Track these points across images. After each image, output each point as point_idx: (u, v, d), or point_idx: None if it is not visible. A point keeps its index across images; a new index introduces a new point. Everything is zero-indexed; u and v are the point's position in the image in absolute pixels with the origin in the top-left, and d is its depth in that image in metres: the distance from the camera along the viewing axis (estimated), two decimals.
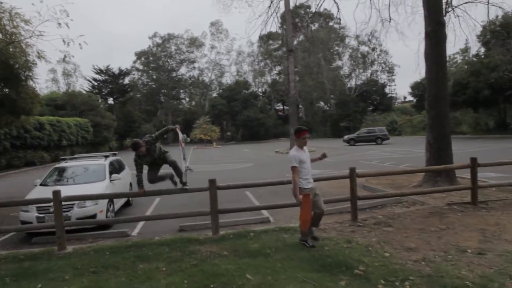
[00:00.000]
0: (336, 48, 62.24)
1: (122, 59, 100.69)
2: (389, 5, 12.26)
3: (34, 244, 6.68)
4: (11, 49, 10.51)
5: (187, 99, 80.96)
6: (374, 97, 60.69)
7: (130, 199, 9.87)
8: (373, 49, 58.28)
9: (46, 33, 9.87)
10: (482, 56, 36.40)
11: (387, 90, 63.25)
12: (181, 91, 77.79)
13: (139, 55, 72.19)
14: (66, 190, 6.44)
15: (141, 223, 7.58)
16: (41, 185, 8.09)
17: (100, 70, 58.96)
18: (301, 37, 56.78)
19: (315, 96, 63.35)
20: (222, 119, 65.02)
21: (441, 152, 8.67)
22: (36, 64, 10.56)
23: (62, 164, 8.97)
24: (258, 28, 67.38)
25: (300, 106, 66.16)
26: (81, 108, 44.21)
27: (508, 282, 3.74)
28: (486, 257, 4.44)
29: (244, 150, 36.59)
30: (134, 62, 72.47)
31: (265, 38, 66.50)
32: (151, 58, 71.99)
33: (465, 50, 49.06)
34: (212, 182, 5.92)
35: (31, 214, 6.97)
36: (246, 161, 22.86)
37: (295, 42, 45.56)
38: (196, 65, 75.39)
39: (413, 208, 7.14)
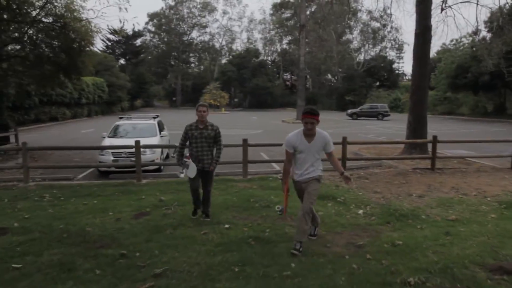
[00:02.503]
0: (348, 21, 62.74)
1: (133, 19, 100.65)
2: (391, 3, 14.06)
3: (112, 179, 9.24)
4: (72, 24, 12.70)
5: (197, 63, 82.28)
6: (381, 73, 61.94)
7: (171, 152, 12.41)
8: (384, 26, 58.98)
9: (105, 14, 11.93)
10: (489, 42, 37.62)
11: (395, 67, 64.46)
12: (191, 55, 78.97)
13: (151, 16, 72.82)
14: (129, 142, 8.81)
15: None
16: (108, 137, 10.57)
17: (114, 30, 60.04)
18: (314, 8, 57.30)
19: (323, 69, 64.67)
20: (231, 86, 66.82)
21: (417, 130, 11.04)
22: (93, 37, 12.77)
23: (121, 122, 11.42)
24: None
25: (308, 77, 67.64)
26: (97, 68, 45.99)
27: (428, 209, 6.24)
28: (423, 199, 6.94)
29: (252, 117, 38.88)
30: (146, 23, 73.35)
31: (278, 7, 67.02)
32: (163, 20, 72.61)
33: (475, 32, 49.83)
34: (244, 141, 8.41)
35: (108, 157, 9.51)
36: (256, 128, 25.31)
37: (307, 12, 46.44)
38: (207, 30, 76.24)
39: (387, 170, 9.64)
